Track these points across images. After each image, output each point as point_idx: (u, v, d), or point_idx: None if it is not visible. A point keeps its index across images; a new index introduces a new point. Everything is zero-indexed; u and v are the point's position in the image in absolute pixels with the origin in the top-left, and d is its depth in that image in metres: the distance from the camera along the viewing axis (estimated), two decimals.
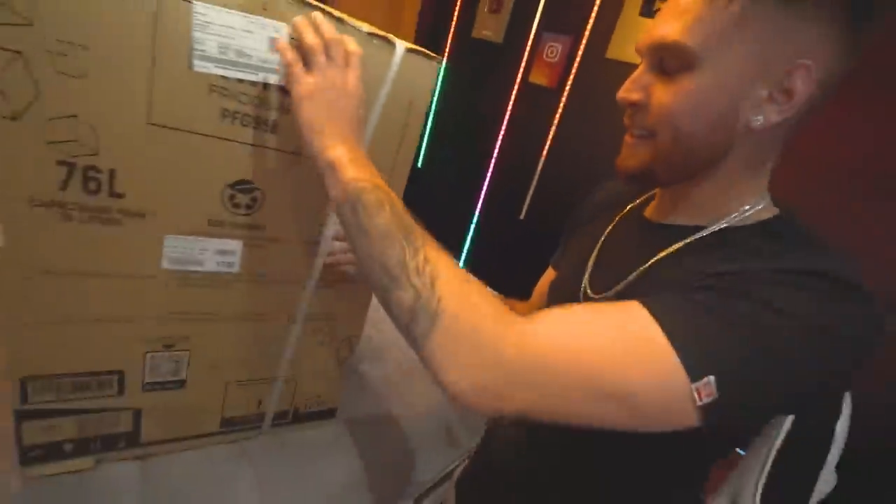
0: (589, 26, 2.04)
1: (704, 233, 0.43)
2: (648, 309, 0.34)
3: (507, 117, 2.34)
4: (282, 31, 0.45)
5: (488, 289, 0.40)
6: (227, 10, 0.42)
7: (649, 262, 0.44)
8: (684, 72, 0.40)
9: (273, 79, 0.47)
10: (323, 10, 0.47)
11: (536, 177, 2.27)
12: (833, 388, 0.42)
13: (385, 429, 0.85)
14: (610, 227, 0.53)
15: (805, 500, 0.44)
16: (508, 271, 1.61)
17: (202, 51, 0.43)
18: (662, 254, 0.44)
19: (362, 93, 0.46)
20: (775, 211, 0.43)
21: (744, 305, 0.32)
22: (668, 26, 0.40)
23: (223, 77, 0.45)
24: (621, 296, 0.45)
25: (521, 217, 2.30)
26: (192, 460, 0.65)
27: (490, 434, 0.63)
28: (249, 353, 0.63)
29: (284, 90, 0.48)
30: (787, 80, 0.38)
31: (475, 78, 2.47)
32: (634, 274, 0.44)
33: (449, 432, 1.00)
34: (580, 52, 2.08)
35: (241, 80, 0.46)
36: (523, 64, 2.26)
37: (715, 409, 0.31)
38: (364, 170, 0.42)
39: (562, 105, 2.16)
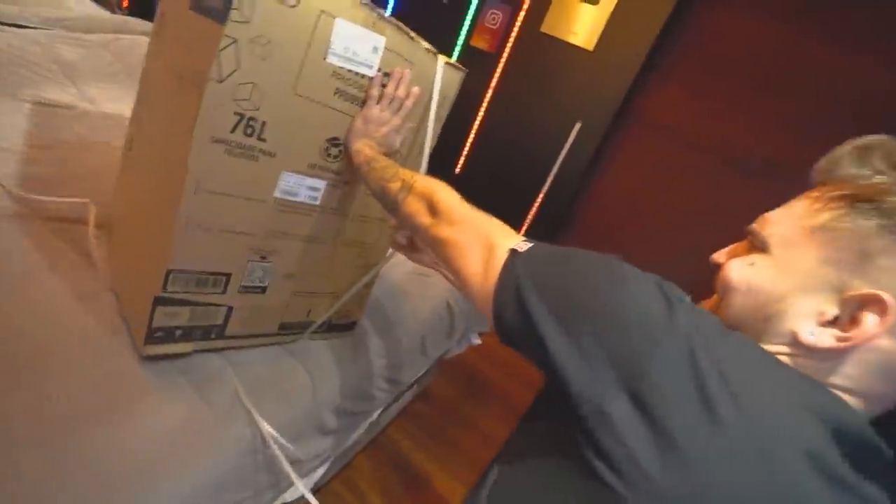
0: (527, 0, 2.37)
1: None
2: None
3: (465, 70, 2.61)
4: (381, 41, 0.71)
5: None
6: (354, 24, 0.67)
7: None
8: (758, 253, 0.44)
9: (368, 72, 0.73)
10: (402, 29, 0.73)
11: (473, 134, 2.60)
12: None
13: (379, 339, 1.16)
14: None
15: None
16: None
17: (334, 49, 0.68)
18: None
19: (396, 127, 0.78)
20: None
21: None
22: (771, 214, 0.46)
23: (341, 67, 0.70)
24: None
25: (457, 171, 2.63)
26: (261, 361, 0.90)
27: None
28: (311, 269, 0.88)
29: (373, 80, 0.74)
30: (856, 308, 0.37)
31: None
32: None
33: (423, 344, 1.33)
34: (518, 23, 2.41)
35: (349, 70, 0.71)
36: (466, 27, 2.53)
37: (524, 258, 0.47)
38: (372, 154, 0.73)
39: (500, 69, 2.49)
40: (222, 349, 0.86)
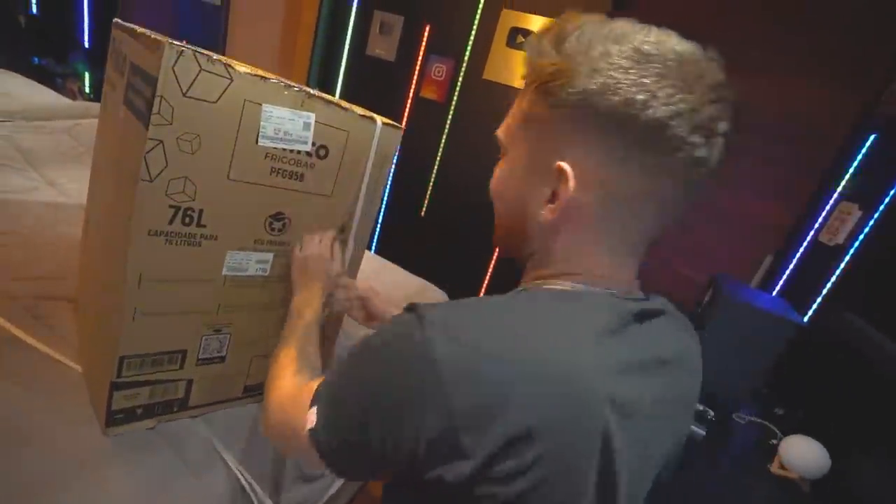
0: (468, 52, 2.43)
1: (523, 288, 0.47)
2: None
3: (403, 126, 2.64)
4: (311, 118, 0.71)
5: None
6: (281, 107, 0.67)
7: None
8: (503, 156, 0.47)
9: (304, 147, 0.72)
10: (333, 101, 0.73)
11: (433, 179, 2.62)
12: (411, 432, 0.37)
13: None
14: None
15: None
16: (412, 262, 1.93)
17: (265, 133, 0.67)
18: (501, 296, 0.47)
19: (322, 265, 0.77)
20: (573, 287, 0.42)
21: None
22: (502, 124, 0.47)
23: (274, 147, 0.69)
24: None
25: (422, 214, 2.64)
26: (232, 412, 0.87)
27: None
28: (269, 332, 0.86)
29: (309, 153, 0.73)
30: (555, 181, 0.40)
31: (372, 91, 2.73)
32: None
33: None
34: (462, 73, 2.47)
35: (284, 149, 0.70)
36: (414, 80, 2.58)
37: (314, 435, 0.41)
38: (302, 302, 0.72)
39: (450, 117, 2.53)
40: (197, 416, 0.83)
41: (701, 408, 1.56)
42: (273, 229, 0.76)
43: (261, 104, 0.65)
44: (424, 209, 2.65)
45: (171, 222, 0.64)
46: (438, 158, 2.60)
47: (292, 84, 0.68)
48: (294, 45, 2.73)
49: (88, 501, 0.65)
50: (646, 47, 0.37)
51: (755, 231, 2.13)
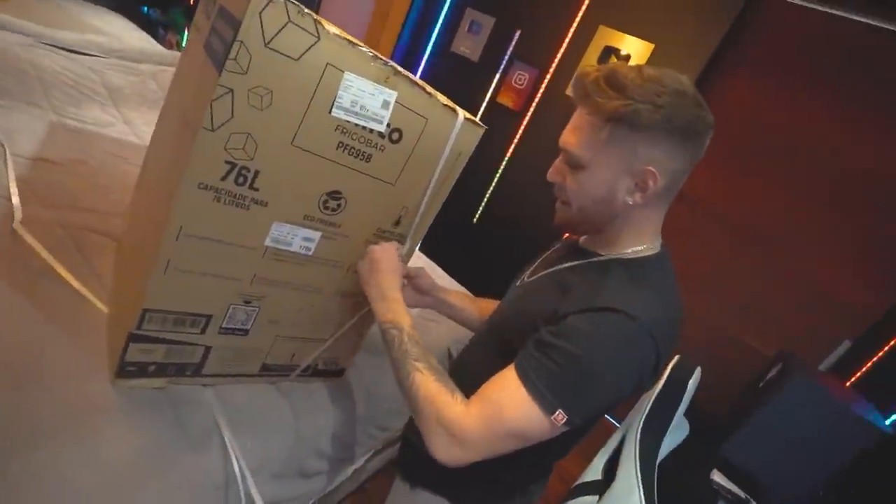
0: (554, 65, 2.34)
1: (601, 258, 0.67)
2: (516, 371, 0.57)
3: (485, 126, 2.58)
4: (392, 96, 0.64)
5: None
6: (363, 78, 0.61)
7: (562, 266, 0.69)
8: (581, 169, 0.62)
9: (378, 127, 0.66)
10: (418, 84, 0.66)
11: (492, 187, 2.54)
12: (637, 375, 0.58)
13: (371, 383, 1.06)
14: (548, 252, 0.80)
15: (666, 426, 0.72)
16: (462, 269, 1.85)
17: (340, 103, 0.61)
18: (570, 263, 0.69)
19: (398, 265, 0.76)
20: (653, 252, 0.65)
21: (561, 347, 0.55)
22: (571, 137, 0.62)
23: (347, 121, 0.63)
24: (536, 281, 0.72)
25: (475, 221, 2.56)
26: (244, 390, 0.82)
27: None
28: (300, 315, 0.80)
29: (381, 134, 0.67)
30: (643, 177, 0.59)
31: (448, 88, 2.68)
32: (552, 269, 0.71)
33: None
34: (544, 85, 2.37)
35: (356, 125, 0.64)
36: (494, 84, 2.51)
37: (570, 422, 0.54)
38: (389, 312, 0.69)
39: (523, 127, 2.44)
40: (209, 384, 0.79)
41: (743, 496, 1.39)
42: (327, 208, 0.70)
43: (343, 71, 0.59)
44: (478, 217, 2.57)
45: (223, 178, 0.59)
46: (502, 167, 2.51)
47: (380, 56, 0.61)
48: (381, 28, 2.73)
49: (83, 454, 0.62)
50: (677, 86, 0.57)
51: (835, 310, 1.90)
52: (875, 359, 1.76)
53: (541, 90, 2.37)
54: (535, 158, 2.42)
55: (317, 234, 0.72)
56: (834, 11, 1.84)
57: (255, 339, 0.78)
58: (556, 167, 0.66)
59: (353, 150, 0.66)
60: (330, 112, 0.61)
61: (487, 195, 2.55)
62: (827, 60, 1.81)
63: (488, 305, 0.94)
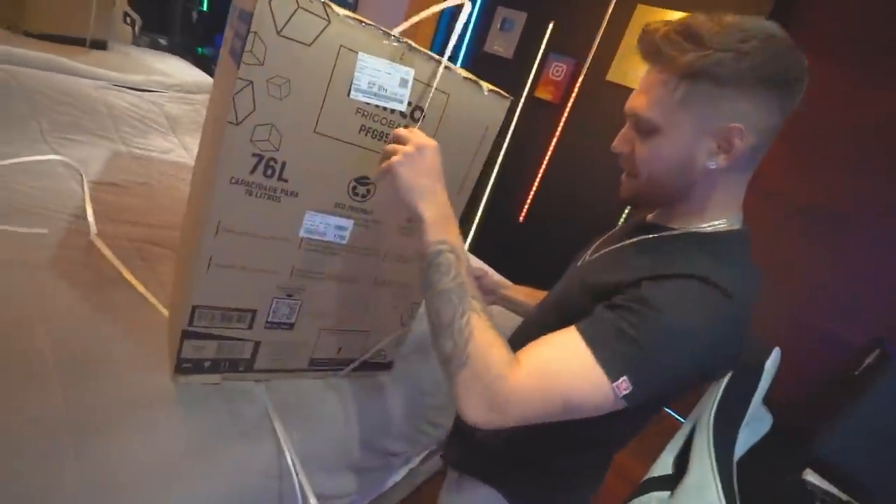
0: (592, 51, 2.26)
1: (673, 232, 0.58)
2: (580, 332, 0.49)
3: (512, 127, 2.54)
4: (410, 74, 0.64)
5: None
6: (378, 58, 0.61)
7: (628, 241, 0.62)
8: (652, 135, 0.54)
9: (399, 106, 0.65)
10: (435, 59, 0.65)
11: (536, 183, 2.48)
12: (717, 358, 0.52)
13: (426, 376, 1.04)
14: (611, 231, 0.72)
15: (742, 415, 0.65)
16: (510, 270, 1.81)
17: (358, 85, 0.61)
18: (637, 238, 0.61)
19: (439, 164, 0.59)
20: (735, 227, 0.57)
21: (636, 310, 0.47)
22: (639, 100, 0.54)
23: (367, 103, 0.63)
24: (600, 258, 0.64)
25: (521, 220, 2.50)
26: (293, 384, 0.84)
27: None
28: (341, 307, 0.81)
29: (403, 114, 0.66)
30: (728, 137, 0.51)
31: None
32: (617, 245, 0.63)
33: None
34: (583, 74, 2.29)
35: (377, 106, 0.64)
36: (530, 79, 2.46)
37: (632, 395, 0.46)
38: (445, 232, 0.55)
39: (563, 119, 2.37)
40: (260, 380, 0.81)
41: (844, 498, 1.23)
42: (356, 194, 0.70)
43: (357, 52, 0.59)
44: (524, 215, 2.52)
45: (252, 171, 0.61)
46: (545, 163, 2.45)
47: (392, 33, 0.61)
48: (413, 34, 2.78)
49: (145, 440, 0.65)
50: (764, 29, 0.49)
51: None
52: None
53: (580, 80, 2.30)
54: (578, 153, 2.33)
55: (349, 222, 0.72)
56: None
57: (300, 332, 0.80)
58: (623, 135, 0.59)
59: (376, 132, 0.66)
60: (349, 95, 0.61)
61: (532, 193, 2.49)
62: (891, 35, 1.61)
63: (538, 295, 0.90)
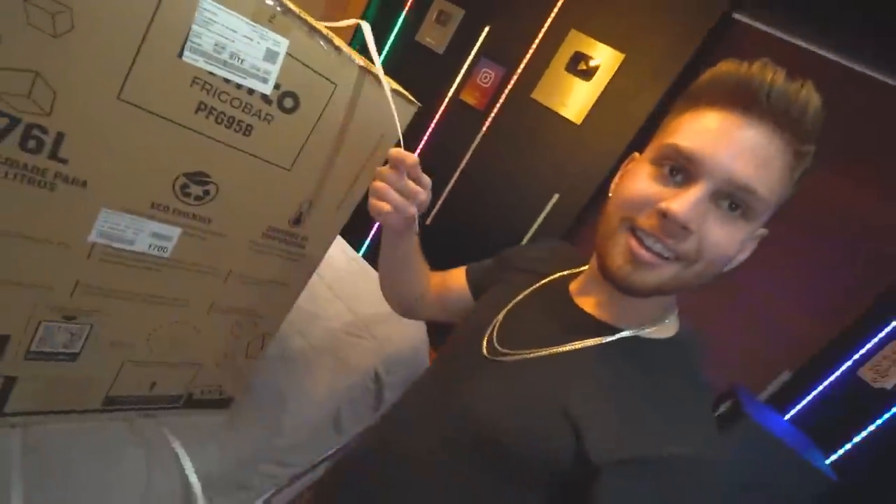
0: (522, 65, 2.20)
1: (622, 335, 0.47)
2: None
3: (432, 126, 2.40)
4: (282, 45, 0.45)
5: None
6: (233, 13, 0.42)
7: (568, 346, 0.48)
8: (746, 218, 0.41)
9: (260, 87, 0.47)
10: (322, 34, 0.48)
11: (448, 188, 2.37)
12: None
13: (275, 409, 0.86)
14: (527, 291, 0.58)
15: None
16: None
17: (197, 44, 0.42)
18: (576, 345, 0.48)
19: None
20: (676, 327, 0.49)
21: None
22: (756, 169, 0.39)
23: (210, 73, 0.44)
24: (533, 363, 0.49)
25: (428, 223, 2.38)
26: (72, 432, 0.60)
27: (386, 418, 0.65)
28: (159, 336, 0.60)
29: (266, 98, 0.48)
30: (757, 243, 0.45)
31: (409, 78, 2.49)
32: (549, 350, 0.49)
33: (337, 418, 1.03)
34: (510, 85, 2.23)
35: (227, 80, 0.45)
36: (458, 80, 2.34)
37: None
38: None
39: (485, 128, 2.29)
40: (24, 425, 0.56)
41: None
42: (187, 194, 0.50)
43: None
44: (432, 218, 2.40)
45: (0, 139, 0.39)
46: (461, 168, 2.35)
47: None
48: (343, 10, 2.51)
49: None
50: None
51: (778, 339, 1.86)
52: (815, 393, 1.73)
53: (506, 90, 2.23)
54: (497, 161, 2.27)
55: (174, 231, 0.52)
56: (801, 43, 1.80)
57: (88, 366, 0.57)
58: (693, 202, 0.40)
59: (222, 116, 0.47)
60: (180, 56, 0.42)
61: (443, 196, 2.38)
62: None
63: (449, 279, 0.77)
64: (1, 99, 0.37)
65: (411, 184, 0.51)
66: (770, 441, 1.14)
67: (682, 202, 0.40)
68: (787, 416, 1.75)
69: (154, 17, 0.39)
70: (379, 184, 0.51)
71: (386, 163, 0.52)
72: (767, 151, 0.39)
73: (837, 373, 1.71)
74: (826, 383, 1.74)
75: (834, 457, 1.53)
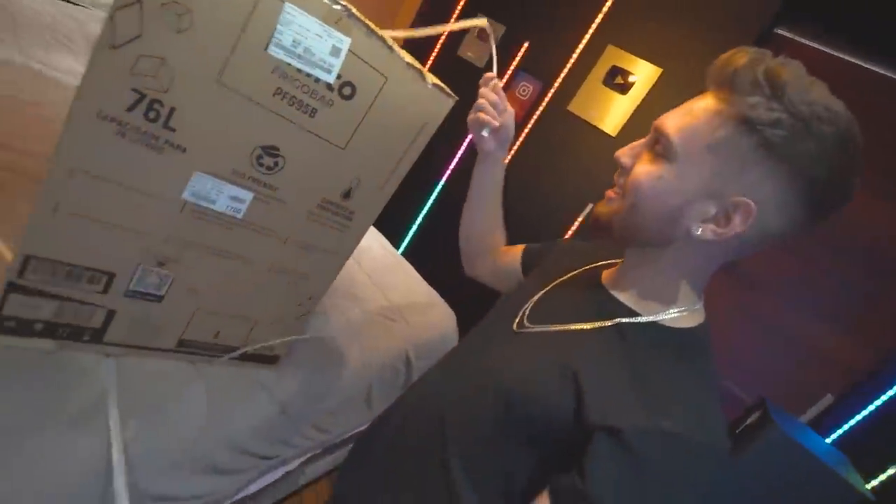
0: (559, 79, 2.28)
1: (635, 321, 0.51)
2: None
3: (470, 136, 2.50)
4: (344, 43, 0.56)
5: None
6: (308, 15, 0.52)
7: (588, 325, 0.53)
8: (662, 160, 0.48)
9: (325, 77, 0.57)
10: (377, 34, 0.58)
11: None
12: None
13: (314, 377, 0.95)
14: (565, 277, 0.64)
15: None
16: (446, 277, 1.76)
17: (279, 40, 0.52)
18: (592, 324, 0.52)
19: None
20: (699, 320, 0.51)
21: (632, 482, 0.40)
22: (673, 120, 0.48)
23: (287, 64, 0.54)
24: (553, 335, 0.54)
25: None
26: (153, 365, 0.72)
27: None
28: (226, 288, 0.70)
29: (330, 86, 0.58)
30: (730, 210, 0.45)
31: (452, 90, 2.61)
32: (569, 326, 0.54)
33: (369, 393, 1.12)
34: (547, 98, 2.31)
35: (299, 70, 0.55)
36: None
37: None
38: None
39: (521, 139, 2.37)
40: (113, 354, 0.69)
41: None
42: (261, 164, 0.61)
43: (283, 1, 0.51)
44: None
45: (130, 109, 0.50)
46: None
47: None
48: (392, 23, 2.68)
49: None
50: (848, 125, 0.41)
51: (821, 364, 1.81)
52: (859, 418, 1.67)
53: (543, 104, 2.31)
54: (533, 170, 2.34)
55: (248, 195, 0.63)
56: (846, 57, 1.79)
57: (170, 308, 0.68)
58: (634, 146, 0.53)
59: (294, 99, 0.57)
60: (266, 49, 0.52)
61: None
62: None
63: (509, 252, 0.87)
64: (136, 78, 0.49)
65: (500, 101, 0.75)
66: (796, 449, 1.13)
67: (625, 147, 0.53)
68: (829, 440, 1.69)
69: (250, 18, 0.50)
70: (481, 100, 0.74)
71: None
72: (695, 105, 0.48)
73: (884, 397, 1.65)
74: (872, 407, 1.67)
75: (874, 482, 1.48)
